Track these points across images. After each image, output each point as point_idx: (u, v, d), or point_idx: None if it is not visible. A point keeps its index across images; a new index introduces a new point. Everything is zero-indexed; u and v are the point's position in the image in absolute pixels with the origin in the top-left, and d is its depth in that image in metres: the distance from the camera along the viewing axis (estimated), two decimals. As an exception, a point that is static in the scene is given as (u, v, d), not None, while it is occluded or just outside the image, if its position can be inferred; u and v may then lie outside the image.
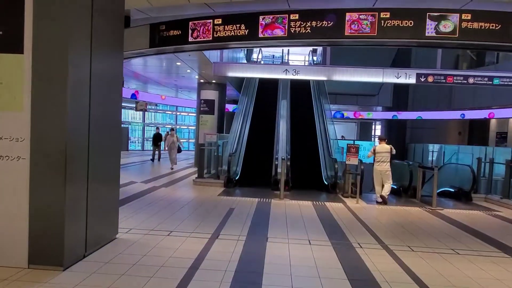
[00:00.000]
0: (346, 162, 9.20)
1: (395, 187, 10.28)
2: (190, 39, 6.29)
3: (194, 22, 6.22)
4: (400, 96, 21.54)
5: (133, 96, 19.53)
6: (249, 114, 14.12)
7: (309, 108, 15.10)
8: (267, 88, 16.87)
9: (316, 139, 13.08)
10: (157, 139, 16.77)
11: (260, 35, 6.12)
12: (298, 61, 25.03)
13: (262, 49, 20.44)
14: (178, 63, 11.20)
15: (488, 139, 21.60)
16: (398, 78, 6.52)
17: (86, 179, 4.00)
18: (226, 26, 6.11)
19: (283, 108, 13.76)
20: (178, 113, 28.01)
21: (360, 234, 5.66)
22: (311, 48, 21.13)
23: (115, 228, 4.83)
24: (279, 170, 9.91)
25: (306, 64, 20.88)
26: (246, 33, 6.06)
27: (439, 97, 21.11)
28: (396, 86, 21.29)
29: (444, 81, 6.65)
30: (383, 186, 8.67)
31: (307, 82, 17.73)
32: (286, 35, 6.13)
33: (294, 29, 6.14)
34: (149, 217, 6.16)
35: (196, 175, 10.67)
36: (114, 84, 4.65)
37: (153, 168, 13.62)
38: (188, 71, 12.48)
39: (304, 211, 7.22)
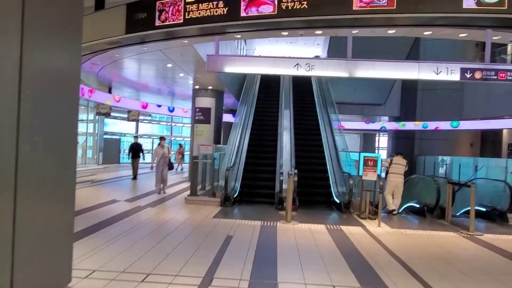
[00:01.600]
0: (363, 178, 7.89)
1: (418, 205, 8.97)
2: (158, 23, 4.99)
3: (162, 1, 4.91)
4: (408, 106, 20.33)
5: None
6: (249, 124, 12.89)
7: (314, 118, 13.91)
8: (268, 97, 15.74)
9: (323, 151, 11.85)
10: (135, 151, 13.39)
11: (243, 14, 4.83)
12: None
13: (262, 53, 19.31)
14: (169, 65, 9.96)
15: (501, 151, 20.38)
16: (437, 74, 5.23)
17: (12, 199, 2.70)
18: (200, 4, 4.79)
19: (286, 118, 12.54)
20: (173, 124, 26.72)
21: (398, 275, 4.32)
22: (314, 55, 20.02)
23: (66, 272, 3.47)
24: (284, 186, 8.61)
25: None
26: (225, 12, 4.77)
27: (449, 107, 19.94)
28: (404, 95, 20.11)
29: (495, 77, 5.39)
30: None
31: (310, 91, 16.62)
32: (275, 13, 4.82)
33: (286, 4, 4.84)
34: (124, 250, 4.80)
35: (189, 192, 9.31)
36: (64, 82, 3.38)
37: (141, 184, 12.19)
38: (181, 74, 11.24)
39: (318, 240, 5.88)
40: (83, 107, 19.07)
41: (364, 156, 7.94)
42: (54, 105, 3.22)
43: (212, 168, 9.52)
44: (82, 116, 19.62)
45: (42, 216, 3.09)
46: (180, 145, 20.63)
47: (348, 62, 5.25)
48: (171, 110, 20.46)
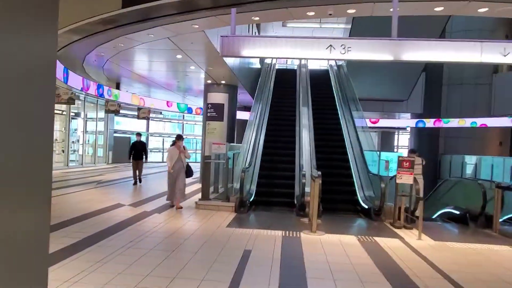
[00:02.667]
0: (397, 181, 6.95)
1: (457, 212, 7.98)
2: None
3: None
4: (432, 102, 19.15)
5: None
6: (264, 122, 12.05)
7: (335, 116, 13.00)
8: (284, 92, 14.86)
9: (345, 151, 10.92)
10: (138, 151, 11.29)
11: None
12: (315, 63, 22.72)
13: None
14: (179, 56, 9.13)
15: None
16: (505, 56, 4.29)
17: None
18: None
19: (305, 116, 11.63)
20: (185, 122, 25.95)
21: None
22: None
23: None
24: (307, 189, 7.73)
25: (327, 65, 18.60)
26: None
27: (476, 103, 18.74)
28: (428, 90, 18.92)
29: None
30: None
31: (329, 85, 15.65)
32: None
33: None
34: (122, 270, 3.98)
35: (199, 195, 8.46)
36: (34, 73, 2.52)
37: (149, 185, 11.39)
38: (192, 67, 10.41)
39: (352, 256, 4.96)
40: (92, 105, 18.46)
41: (399, 157, 7.00)
42: (18, 98, 2.40)
43: (226, 168, 8.66)
44: (92, 114, 19.01)
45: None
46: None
47: (394, 42, 4.29)
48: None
